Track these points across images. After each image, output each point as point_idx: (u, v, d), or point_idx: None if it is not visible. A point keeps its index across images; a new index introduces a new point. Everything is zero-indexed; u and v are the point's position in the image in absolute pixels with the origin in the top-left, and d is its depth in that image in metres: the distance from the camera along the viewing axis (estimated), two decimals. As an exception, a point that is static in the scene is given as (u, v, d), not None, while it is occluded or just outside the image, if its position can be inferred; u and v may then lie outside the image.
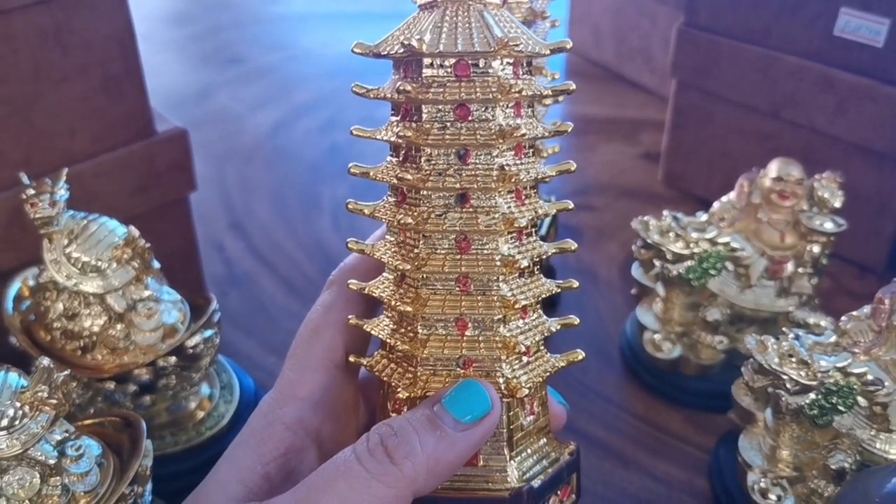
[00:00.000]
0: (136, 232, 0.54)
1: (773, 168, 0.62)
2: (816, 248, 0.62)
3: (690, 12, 0.82)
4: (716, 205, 0.66)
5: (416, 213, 0.34)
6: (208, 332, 0.55)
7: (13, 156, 0.57)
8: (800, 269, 0.63)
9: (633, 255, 0.66)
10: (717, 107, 0.84)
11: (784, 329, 0.53)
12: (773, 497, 0.51)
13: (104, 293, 0.53)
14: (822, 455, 0.51)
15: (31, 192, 0.52)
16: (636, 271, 0.68)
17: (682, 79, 0.86)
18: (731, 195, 0.65)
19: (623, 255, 0.81)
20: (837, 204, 0.62)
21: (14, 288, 0.57)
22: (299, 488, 0.32)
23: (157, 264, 0.56)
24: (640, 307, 0.68)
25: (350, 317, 0.38)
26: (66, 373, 0.42)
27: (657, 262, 0.63)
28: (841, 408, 0.49)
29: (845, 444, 0.50)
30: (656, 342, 0.65)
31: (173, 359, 0.54)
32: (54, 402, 0.42)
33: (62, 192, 0.52)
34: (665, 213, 0.64)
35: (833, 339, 0.51)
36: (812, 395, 0.49)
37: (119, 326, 0.53)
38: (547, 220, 0.71)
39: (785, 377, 0.49)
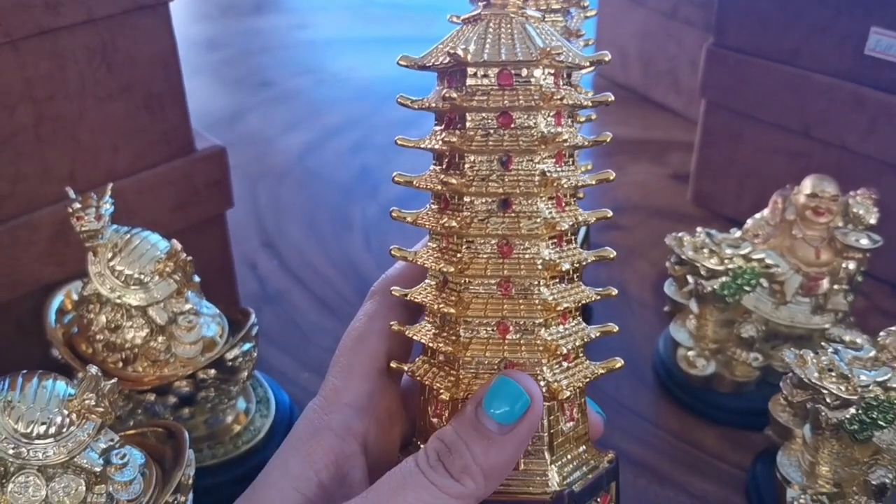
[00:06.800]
0: (178, 245, 0.54)
1: (808, 184, 0.62)
2: (852, 265, 0.62)
3: (720, 33, 0.82)
4: (749, 221, 0.66)
5: (459, 218, 0.35)
6: (247, 346, 0.56)
7: (59, 171, 0.58)
8: (835, 286, 0.62)
9: (667, 271, 0.66)
10: (746, 126, 0.84)
11: (823, 343, 0.52)
12: (813, 513, 0.51)
13: (146, 306, 0.53)
14: (863, 471, 0.50)
15: (77, 206, 0.52)
16: (669, 288, 0.68)
17: (712, 99, 0.86)
18: (766, 212, 0.65)
19: (654, 273, 0.81)
20: (872, 220, 0.62)
21: (57, 301, 0.58)
22: (367, 495, 0.33)
23: (196, 278, 0.57)
24: (674, 324, 0.68)
25: (392, 323, 0.38)
26: (112, 381, 0.43)
27: (691, 279, 0.63)
28: (881, 423, 0.48)
29: (886, 459, 0.49)
30: (690, 359, 0.65)
31: (213, 371, 0.54)
32: (101, 409, 0.42)
33: (107, 207, 0.53)
34: (699, 229, 0.64)
35: (872, 353, 0.51)
36: (852, 410, 0.48)
37: (160, 339, 0.54)
38: (581, 236, 0.72)
39: (825, 391, 0.49)
